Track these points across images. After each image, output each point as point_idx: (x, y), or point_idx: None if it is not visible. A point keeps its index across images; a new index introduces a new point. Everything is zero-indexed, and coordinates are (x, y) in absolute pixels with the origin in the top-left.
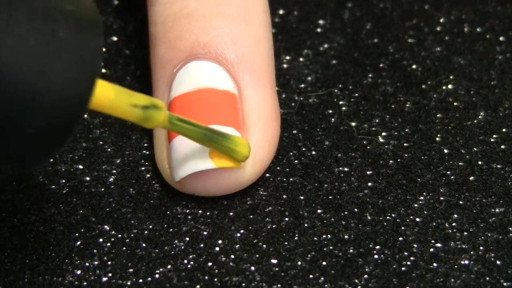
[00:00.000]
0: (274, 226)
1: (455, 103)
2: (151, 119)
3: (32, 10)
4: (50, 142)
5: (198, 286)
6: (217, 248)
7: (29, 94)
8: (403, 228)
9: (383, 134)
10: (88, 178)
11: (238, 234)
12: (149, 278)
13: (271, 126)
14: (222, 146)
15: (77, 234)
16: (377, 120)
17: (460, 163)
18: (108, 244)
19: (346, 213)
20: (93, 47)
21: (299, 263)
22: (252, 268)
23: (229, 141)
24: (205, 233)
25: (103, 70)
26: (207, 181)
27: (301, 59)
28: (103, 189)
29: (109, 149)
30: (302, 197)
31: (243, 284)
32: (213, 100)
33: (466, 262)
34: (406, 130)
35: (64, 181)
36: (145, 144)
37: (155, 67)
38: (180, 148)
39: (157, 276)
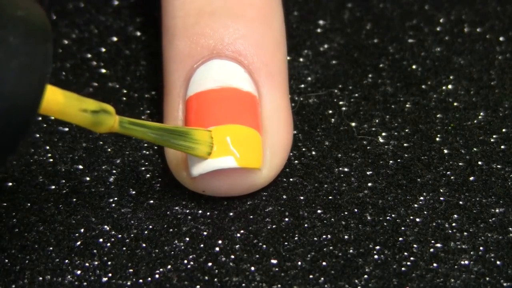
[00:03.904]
0: (274, 226)
1: (455, 103)
2: (101, 124)
3: None
4: (1, 149)
5: (198, 286)
6: (217, 248)
7: None
8: (403, 228)
9: (383, 134)
10: (88, 178)
11: (238, 234)
12: (149, 278)
13: (286, 131)
14: (179, 145)
15: (77, 234)
16: (377, 120)
17: (460, 163)
18: (108, 244)
19: (346, 213)
20: (43, 53)
21: (299, 263)
22: (252, 268)
23: (187, 139)
24: (205, 233)
25: (103, 70)
26: (223, 180)
27: (301, 59)
28: (103, 189)
29: (109, 149)
30: (302, 197)
31: (243, 284)
32: (236, 100)
33: (466, 262)
34: (406, 130)
35: (64, 181)
36: (145, 144)
37: (172, 60)
38: None
39: (157, 276)
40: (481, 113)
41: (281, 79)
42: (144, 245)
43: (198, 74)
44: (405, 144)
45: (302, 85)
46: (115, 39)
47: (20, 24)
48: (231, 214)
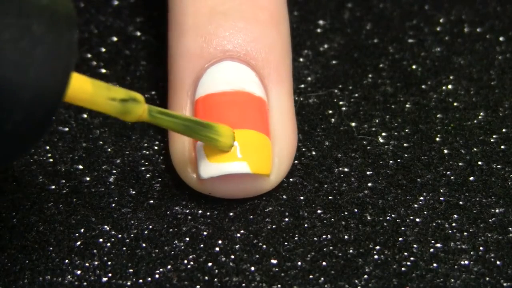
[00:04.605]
0: (274, 226)
1: (455, 103)
2: (130, 112)
3: (5, 5)
4: (27, 138)
5: (198, 286)
6: (217, 248)
7: (5, 89)
8: (403, 228)
9: (383, 134)
10: (88, 178)
11: (238, 234)
12: (149, 278)
13: (293, 137)
14: (204, 136)
15: (77, 234)
16: (377, 120)
17: (460, 163)
18: (108, 244)
19: (346, 213)
20: (68, 41)
21: (299, 263)
22: (252, 268)
23: (212, 131)
24: (205, 233)
25: (103, 70)
26: (232, 184)
27: (301, 59)
28: (103, 189)
29: (109, 149)
30: (302, 197)
31: (243, 284)
32: (250, 105)
33: (466, 262)
34: (406, 130)
35: (64, 181)
36: (145, 144)
37: (181, 57)
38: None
39: (157, 276)
40: (481, 113)
41: (288, 85)
42: (144, 245)
43: (209, 74)
44: (405, 144)
45: (302, 85)
46: (115, 39)
47: (44, 12)
48: (231, 214)
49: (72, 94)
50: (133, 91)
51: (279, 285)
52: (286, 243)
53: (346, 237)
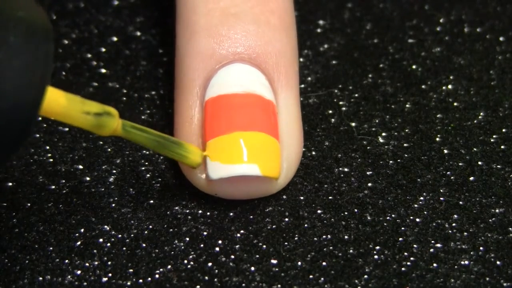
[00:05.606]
0: (274, 226)
1: (455, 103)
2: (104, 126)
3: None
4: (2, 149)
5: (198, 286)
6: (217, 248)
7: None
8: (403, 228)
9: (383, 134)
10: (88, 178)
11: (238, 234)
12: (149, 278)
13: (300, 143)
14: (175, 153)
15: (77, 234)
16: (377, 120)
17: (460, 163)
18: (108, 244)
19: (346, 213)
20: (44, 53)
21: (299, 263)
22: (252, 268)
23: (182, 148)
24: (205, 233)
25: (103, 70)
26: (240, 186)
27: (301, 59)
28: (103, 189)
29: (109, 149)
30: (302, 197)
31: (243, 284)
32: (261, 108)
33: (466, 262)
34: (406, 130)
35: (64, 181)
36: None
37: (191, 57)
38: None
39: (157, 276)
40: (481, 113)
41: (296, 90)
42: (144, 245)
43: (220, 76)
44: (405, 144)
45: (302, 85)
46: (115, 39)
47: (21, 24)
48: (231, 214)
49: (47, 107)
50: (107, 106)
51: (279, 285)
52: (286, 243)
53: (346, 237)
